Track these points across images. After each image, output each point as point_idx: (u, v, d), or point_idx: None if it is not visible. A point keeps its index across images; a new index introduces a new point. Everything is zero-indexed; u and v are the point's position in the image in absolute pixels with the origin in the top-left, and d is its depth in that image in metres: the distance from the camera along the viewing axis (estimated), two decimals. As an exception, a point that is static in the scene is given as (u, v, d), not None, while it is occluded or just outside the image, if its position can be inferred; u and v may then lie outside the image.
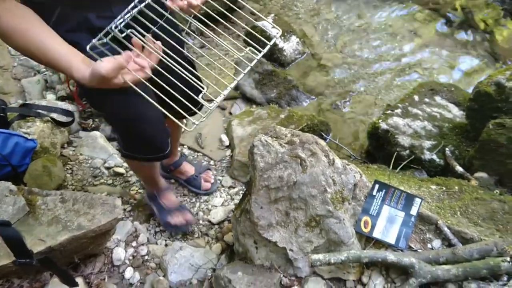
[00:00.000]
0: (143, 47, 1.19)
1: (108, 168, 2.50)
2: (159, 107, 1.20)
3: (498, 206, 1.76)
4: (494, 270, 1.48)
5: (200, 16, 1.35)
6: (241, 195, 2.13)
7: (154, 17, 1.32)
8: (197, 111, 1.25)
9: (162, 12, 1.35)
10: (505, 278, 1.53)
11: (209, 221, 2.25)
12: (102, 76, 1.09)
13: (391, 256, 1.52)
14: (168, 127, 1.91)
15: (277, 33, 1.32)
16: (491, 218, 1.71)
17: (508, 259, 1.47)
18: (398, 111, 2.68)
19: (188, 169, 2.39)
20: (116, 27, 1.26)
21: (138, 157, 1.71)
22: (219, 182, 2.51)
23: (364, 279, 1.61)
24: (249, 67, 1.26)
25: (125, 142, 1.70)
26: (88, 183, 2.43)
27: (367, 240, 1.67)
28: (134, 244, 2.02)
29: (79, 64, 1.16)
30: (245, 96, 3.29)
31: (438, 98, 2.77)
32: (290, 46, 3.60)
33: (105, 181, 2.43)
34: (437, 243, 1.67)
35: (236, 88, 3.28)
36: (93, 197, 1.67)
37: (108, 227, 1.64)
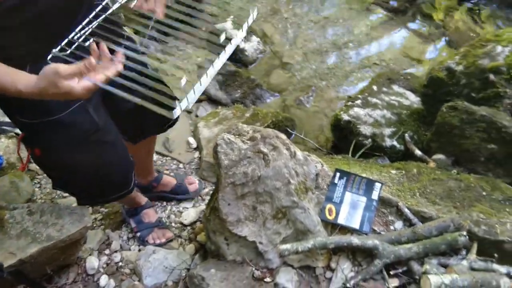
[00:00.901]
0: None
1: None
2: (155, 107, 1.08)
3: (454, 185, 1.85)
4: (452, 245, 1.56)
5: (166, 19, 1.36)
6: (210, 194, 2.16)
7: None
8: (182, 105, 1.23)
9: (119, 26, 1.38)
10: (464, 252, 1.62)
11: (181, 223, 2.27)
12: (56, 72, 1.03)
13: (355, 240, 1.59)
14: (138, 153, 1.95)
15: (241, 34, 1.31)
16: (448, 196, 1.80)
17: (465, 233, 1.56)
18: (359, 102, 2.76)
19: (170, 179, 2.40)
20: (77, 36, 1.26)
21: (103, 202, 1.74)
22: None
23: (333, 265, 1.67)
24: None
25: (86, 192, 1.70)
26: (57, 196, 2.41)
27: (333, 227, 1.73)
28: (107, 251, 2.03)
29: (24, 74, 1.10)
30: (210, 98, 3.32)
31: (395, 87, 2.87)
32: (251, 46, 3.66)
33: (73, 192, 2.42)
34: (399, 224, 1.75)
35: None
36: (61, 208, 1.68)
37: (77, 236, 1.65)
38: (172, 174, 2.52)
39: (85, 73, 1.06)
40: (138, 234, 2.10)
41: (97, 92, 1.38)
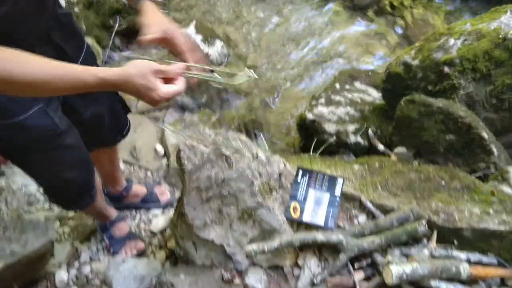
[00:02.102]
0: None
1: (43, 194, 2.46)
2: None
3: (415, 176, 1.90)
4: (413, 235, 1.61)
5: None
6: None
7: None
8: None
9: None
10: (425, 241, 1.66)
11: (151, 231, 2.27)
12: (150, 64, 1.07)
13: (320, 236, 1.62)
14: (101, 162, 1.94)
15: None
16: (409, 188, 1.85)
17: (424, 222, 1.60)
18: (322, 100, 2.80)
19: (140, 189, 2.39)
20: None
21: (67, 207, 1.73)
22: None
23: (300, 262, 1.69)
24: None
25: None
26: (24, 211, 2.37)
27: (299, 225, 1.75)
28: (76, 264, 2.01)
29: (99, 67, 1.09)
30: (176, 104, 3.32)
31: (357, 84, 2.92)
32: (215, 51, 3.67)
33: (41, 207, 2.38)
34: (362, 218, 1.79)
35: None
36: (24, 222, 1.66)
37: (42, 250, 1.63)
38: (142, 182, 2.52)
39: (174, 77, 1.12)
40: (111, 250, 2.09)
41: (55, 98, 1.38)
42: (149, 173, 2.71)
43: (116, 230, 2.11)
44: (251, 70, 1.21)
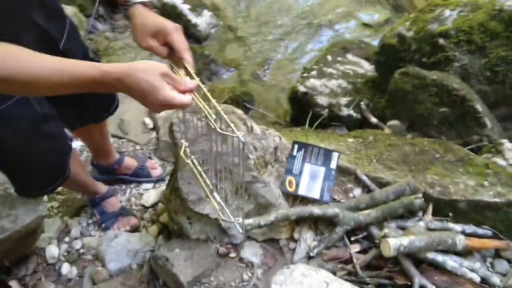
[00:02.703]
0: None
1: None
2: None
3: (409, 149, 1.90)
4: (409, 208, 1.61)
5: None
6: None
7: None
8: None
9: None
10: (420, 214, 1.67)
11: (143, 205, 2.24)
12: (160, 65, 0.98)
13: (316, 210, 1.61)
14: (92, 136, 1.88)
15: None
16: (404, 161, 1.84)
17: (420, 195, 1.60)
18: (314, 72, 2.77)
19: (132, 162, 2.34)
20: None
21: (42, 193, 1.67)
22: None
23: (295, 236, 1.69)
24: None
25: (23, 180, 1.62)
26: (10, 186, 2.33)
27: (294, 198, 1.74)
28: (66, 239, 1.98)
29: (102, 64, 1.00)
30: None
31: (349, 56, 2.89)
32: (203, 21, 3.58)
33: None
34: (357, 191, 1.78)
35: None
36: (13, 198, 1.61)
37: (33, 226, 1.60)
38: (132, 155, 2.48)
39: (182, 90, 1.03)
40: (103, 225, 2.06)
41: None
42: (138, 147, 2.66)
43: (108, 206, 2.08)
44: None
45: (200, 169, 1.36)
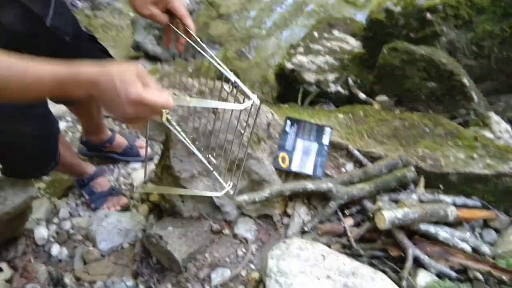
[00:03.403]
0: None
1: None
2: None
3: (399, 124, 1.91)
4: (402, 181, 1.63)
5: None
6: (160, 154, 2.11)
7: None
8: None
9: None
10: (412, 186, 1.69)
11: (131, 185, 2.22)
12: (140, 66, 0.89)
13: (310, 185, 1.62)
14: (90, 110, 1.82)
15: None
16: (394, 135, 1.86)
17: (412, 168, 1.62)
18: (301, 49, 2.75)
19: (122, 141, 2.30)
20: None
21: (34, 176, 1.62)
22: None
23: (289, 211, 1.70)
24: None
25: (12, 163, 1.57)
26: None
27: (287, 174, 1.74)
28: (55, 220, 1.95)
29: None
30: (148, 54, 3.19)
31: (336, 32, 2.88)
32: (187, -3, 3.52)
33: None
34: (350, 166, 1.80)
35: (137, 47, 3.16)
36: (1, 179, 1.58)
37: (23, 207, 1.57)
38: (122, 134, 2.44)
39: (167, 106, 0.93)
40: (92, 205, 2.04)
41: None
42: (124, 126, 2.62)
43: (97, 185, 2.05)
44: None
45: (182, 132, 1.33)
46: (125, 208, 2.05)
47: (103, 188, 2.06)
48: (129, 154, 2.29)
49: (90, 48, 1.60)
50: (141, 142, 2.39)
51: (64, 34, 1.39)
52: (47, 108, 1.52)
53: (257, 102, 1.02)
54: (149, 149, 2.36)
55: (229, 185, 1.46)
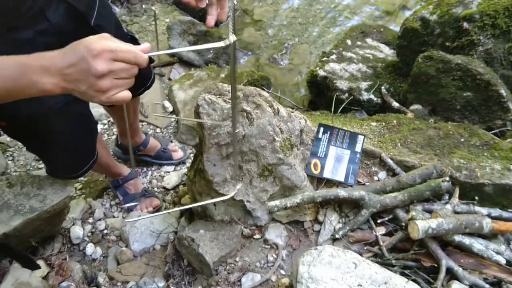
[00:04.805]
0: None
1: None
2: None
3: (433, 133, 1.89)
4: (436, 191, 1.60)
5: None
6: (192, 158, 2.14)
7: None
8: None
9: None
10: (446, 197, 1.67)
11: (164, 188, 2.26)
12: (94, 49, 0.79)
13: (342, 192, 1.61)
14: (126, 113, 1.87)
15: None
16: (429, 144, 1.83)
17: (447, 178, 1.60)
18: (334, 57, 2.75)
19: (155, 144, 2.36)
20: None
21: (77, 175, 1.67)
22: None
23: (320, 218, 1.70)
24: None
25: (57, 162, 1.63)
26: (32, 167, 2.36)
27: (319, 181, 1.75)
28: (90, 220, 2.01)
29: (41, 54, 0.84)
30: (182, 60, 3.24)
31: (369, 40, 2.87)
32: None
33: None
34: (382, 174, 1.78)
35: (172, 53, 3.22)
36: (41, 178, 1.63)
37: (61, 206, 1.62)
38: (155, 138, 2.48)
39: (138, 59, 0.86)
40: (126, 206, 2.08)
41: None
42: (158, 130, 2.68)
43: (130, 187, 2.10)
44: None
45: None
46: (157, 210, 2.09)
47: (137, 189, 2.10)
48: (162, 158, 2.33)
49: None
50: (173, 145, 2.43)
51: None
52: (88, 106, 1.57)
53: (233, 39, 0.94)
54: (182, 153, 2.40)
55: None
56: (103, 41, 0.81)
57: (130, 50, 0.83)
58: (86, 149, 1.63)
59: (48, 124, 1.39)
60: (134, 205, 2.08)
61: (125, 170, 2.12)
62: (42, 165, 2.37)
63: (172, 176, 2.30)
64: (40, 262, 1.74)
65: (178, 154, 2.38)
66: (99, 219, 2.04)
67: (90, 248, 1.89)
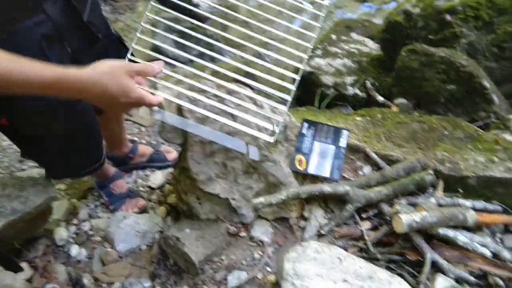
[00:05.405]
0: None
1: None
2: None
3: (417, 127, 1.89)
4: (420, 184, 1.61)
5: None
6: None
7: None
8: None
9: None
10: (431, 190, 1.67)
11: (150, 187, 2.24)
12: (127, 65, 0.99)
13: (327, 188, 1.61)
14: (109, 123, 1.85)
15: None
16: (413, 138, 1.84)
17: (431, 172, 1.60)
18: (319, 52, 2.75)
19: (146, 149, 2.32)
20: None
21: (74, 175, 1.65)
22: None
23: (306, 214, 1.69)
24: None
25: (58, 163, 1.62)
26: (16, 169, 2.32)
27: (304, 177, 1.74)
28: (75, 221, 1.98)
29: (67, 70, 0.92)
30: (167, 57, 3.20)
31: (354, 34, 2.87)
32: (205, 1, 3.53)
33: (34, 164, 2.33)
34: (367, 169, 1.78)
35: (157, 50, 3.19)
36: (23, 179, 1.61)
37: (44, 207, 1.60)
38: (143, 141, 2.46)
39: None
40: (111, 207, 2.06)
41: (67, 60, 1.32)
42: (143, 129, 2.65)
43: (115, 187, 2.07)
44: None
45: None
46: (143, 210, 2.07)
47: (122, 190, 2.08)
48: (156, 160, 2.30)
49: (116, 48, 1.63)
50: (166, 146, 2.40)
51: (98, 31, 1.43)
52: (89, 107, 1.55)
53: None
54: (176, 153, 2.37)
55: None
56: (138, 92, 1.03)
57: (153, 103, 1.11)
58: (94, 148, 1.61)
59: (57, 123, 1.38)
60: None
61: (112, 170, 2.10)
62: (26, 167, 2.34)
63: (157, 175, 2.28)
64: (24, 265, 1.71)
65: (173, 155, 2.35)
66: (84, 220, 2.02)
67: (74, 250, 1.86)
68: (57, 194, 2.18)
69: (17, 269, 1.55)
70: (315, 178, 1.73)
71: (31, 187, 1.60)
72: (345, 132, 1.74)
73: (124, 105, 1.01)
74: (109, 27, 1.63)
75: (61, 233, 1.90)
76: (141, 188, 2.25)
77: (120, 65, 0.98)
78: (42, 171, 2.26)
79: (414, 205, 1.59)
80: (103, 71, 0.95)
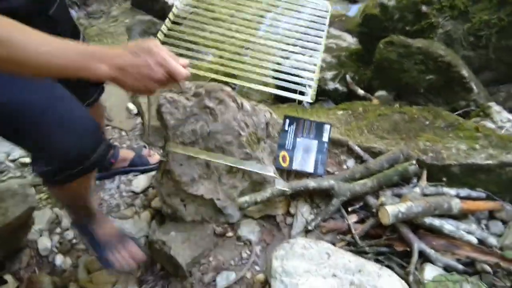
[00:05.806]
0: None
1: (13, 161, 2.33)
2: None
3: (399, 118, 1.90)
4: (404, 175, 1.61)
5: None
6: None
7: None
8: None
9: None
10: (415, 180, 1.68)
11: (133, 192, 2.20)
12: (150, 49, 0.95)
13: (311, 183, 1.60)
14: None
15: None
16: (395, 129, 1.84)
17: (414, 162, 1.61)
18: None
19: (127, 154, 2.24)
20: None
21: (79, 173, 1.39)
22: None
23: (292, 210, 1.68)
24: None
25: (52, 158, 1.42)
26: (-6, 180, 2.27)
27: (288, 173, 1.73)
28: (58, 230, 1.94)
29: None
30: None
31: (331, 29, 2.87)
32: (180, 1, 3.50)
33: (13, 175, 2.27)
34: (351, 162, 1.78)
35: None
36: (1, 191, 1.57)
37: (24, 218, 1.56)
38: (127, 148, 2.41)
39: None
40: (101, 261, 1.62)
41: None
42: (123, 133, 2.61)
43: (99, 230, 1.61)
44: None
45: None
46: (140, 260, 1.62)
47: (109, 233, 1.64)
48: (138, 164, 2.25)
49: None
50: (148, 150, 2.36)
51: (64, 26, 1.38)
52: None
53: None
54: (158, 156, 2.33)
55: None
56: (165, 52, 0.98)
57: (180, 70, 1.02)
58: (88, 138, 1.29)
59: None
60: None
61: (94, 204, 1.64)
62: (6, 177, 2.29)
63: (140, 180, 2.24)
64: (8, 277, 1.68)
65: (155, 158, 2.30)
66: (67, 229, 1.97)
67: (59, 259, 1.82)
68: (39, 203, 2.14)
69: (0, 282, 1.51)
70: (300, 174, 1.72)
71: (10, 197, 1.57)
72: (327, 126, 1.73)
73: (148, 67, 0.95)
74: (77, 28, 1.53)
75: (45, 243, 1.86)
76: (124, 193, 2.21)
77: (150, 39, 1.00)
78: (22, 181, 2.22)
79: (399, 196, 1.59)
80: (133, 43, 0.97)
